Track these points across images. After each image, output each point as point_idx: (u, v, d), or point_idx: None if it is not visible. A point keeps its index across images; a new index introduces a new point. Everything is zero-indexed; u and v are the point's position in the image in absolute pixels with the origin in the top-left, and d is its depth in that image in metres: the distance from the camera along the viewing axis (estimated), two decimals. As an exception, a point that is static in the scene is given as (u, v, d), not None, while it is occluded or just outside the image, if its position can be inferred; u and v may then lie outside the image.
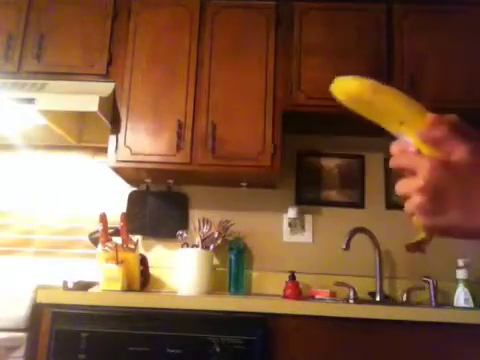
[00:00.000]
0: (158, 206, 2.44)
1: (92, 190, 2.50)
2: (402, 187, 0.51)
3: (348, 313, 1.69)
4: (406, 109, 0.54)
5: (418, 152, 0.51)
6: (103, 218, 2.06)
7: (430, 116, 0.51)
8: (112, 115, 2.21)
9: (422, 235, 0.53)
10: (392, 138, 0.55)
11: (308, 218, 2.43)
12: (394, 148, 0.53)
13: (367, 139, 2.46)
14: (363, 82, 0.56)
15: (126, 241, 2.08)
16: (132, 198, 2.45)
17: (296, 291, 2.12)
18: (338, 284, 2.17)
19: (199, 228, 2.25)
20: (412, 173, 0.50)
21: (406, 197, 0.50)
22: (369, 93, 0.55)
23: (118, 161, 2.18)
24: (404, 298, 2.20)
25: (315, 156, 2.51)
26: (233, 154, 2.16)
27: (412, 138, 0.52)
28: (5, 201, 2.50)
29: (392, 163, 0.53)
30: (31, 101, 2.03)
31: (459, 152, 0.48)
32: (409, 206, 0.50)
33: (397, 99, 0.55)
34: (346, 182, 2.47)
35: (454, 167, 0.48)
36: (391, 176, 2.42)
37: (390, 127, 0.55)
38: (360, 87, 0.56)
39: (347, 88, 0.57)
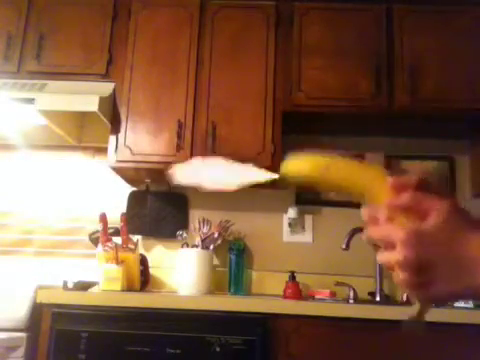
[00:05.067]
0: (158, 206, 2.44)
1: (92, 190, 2.50)
2: (383, 259, 0.48)
3: (348, 313, 1.69)
4: (364, 180, 0.52)
5: (390, 221, 0.48)
6: (103, 218, 2.06)
7: (390, 182, 0.49)
8: (112, 115, 2.21)
9: (417, 306, 0.49)
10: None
11: (308, 218, 2.43)
12: (365, 215, 0.50)
13: (367, 139, 2.46)
14: (313, 162, 0.55)
15: (126, 241, 2.08)
16: (132, 198, 2.45)
17: (296, 291, 2.12)
18: (338, 284, 2.17)
19: (199, 228, 2.25)
20: (389, 245, 0.47)
21: (389, 268, 0.48)
22: (320, 172, 0.54)
23: (118, 161, 2.18)
24: (404, 298, 2.20)
25: (315, 156, 2.50)
26: (233, 154, 2.15)
27: (380, 204, 0.49)
28: (5, 201, 2.50)
29: (366, 236, 0.50)
30: (31, 101, 2.03)
31: (432, 218, 0.45)
32: (395, 279, 0.47)
33: (352, 172, 0.53)
34: (346, 182, 2.47)
35: (430, 235, 0.45)
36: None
37: (354, 195, 0.53)
38: (310, 168, 0.55)
39: (298, 169, 0.56)
